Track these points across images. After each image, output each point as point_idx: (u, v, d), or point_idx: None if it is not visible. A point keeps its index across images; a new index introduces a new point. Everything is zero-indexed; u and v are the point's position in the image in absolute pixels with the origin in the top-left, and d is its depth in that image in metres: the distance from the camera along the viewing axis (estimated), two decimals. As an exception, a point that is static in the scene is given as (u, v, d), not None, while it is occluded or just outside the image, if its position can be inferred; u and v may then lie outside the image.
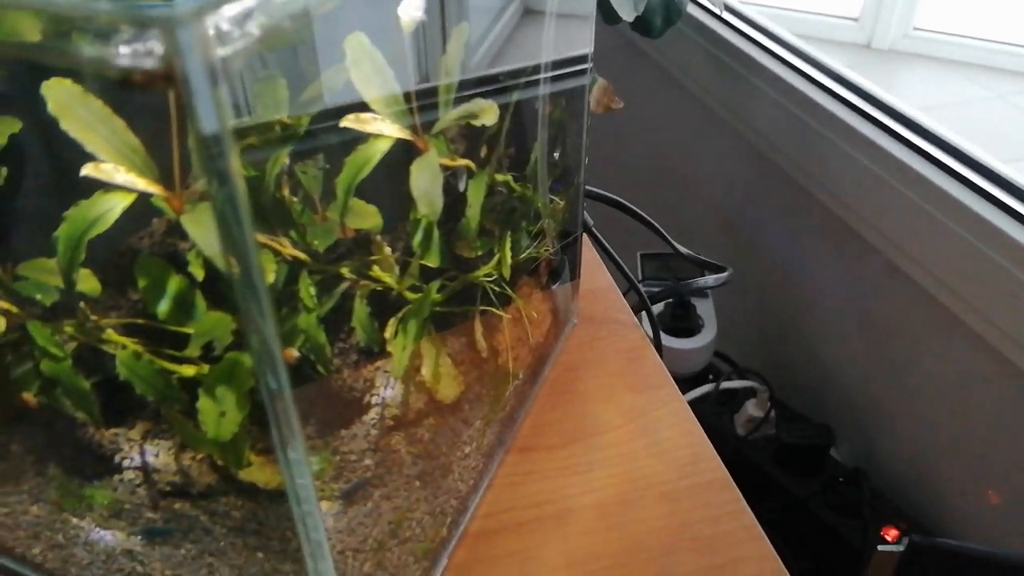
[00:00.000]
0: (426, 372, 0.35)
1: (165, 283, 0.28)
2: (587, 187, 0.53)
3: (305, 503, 0.25)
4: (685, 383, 0.83)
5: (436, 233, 0.33)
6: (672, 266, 0.86)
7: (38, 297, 0.28)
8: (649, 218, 0.57)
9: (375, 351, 0.33)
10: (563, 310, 0.45)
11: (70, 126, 0.22)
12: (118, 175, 0.25)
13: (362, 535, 0.32)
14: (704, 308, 0.84)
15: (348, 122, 0.29)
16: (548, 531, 0.37)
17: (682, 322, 0.83)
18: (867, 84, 0.70)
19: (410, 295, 0.33)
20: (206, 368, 0.27)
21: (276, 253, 0.29)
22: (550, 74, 0.36)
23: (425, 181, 0.31)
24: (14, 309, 0.28)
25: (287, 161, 0.30)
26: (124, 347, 0.28)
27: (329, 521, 0.32)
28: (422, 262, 0.33)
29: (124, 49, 0.15)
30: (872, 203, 0.66)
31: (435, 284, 0.33)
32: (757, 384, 0.78)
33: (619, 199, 0.55)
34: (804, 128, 0.73)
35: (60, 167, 0.27)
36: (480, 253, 0.36)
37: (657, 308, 0.84)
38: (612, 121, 1.10)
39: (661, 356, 0.47)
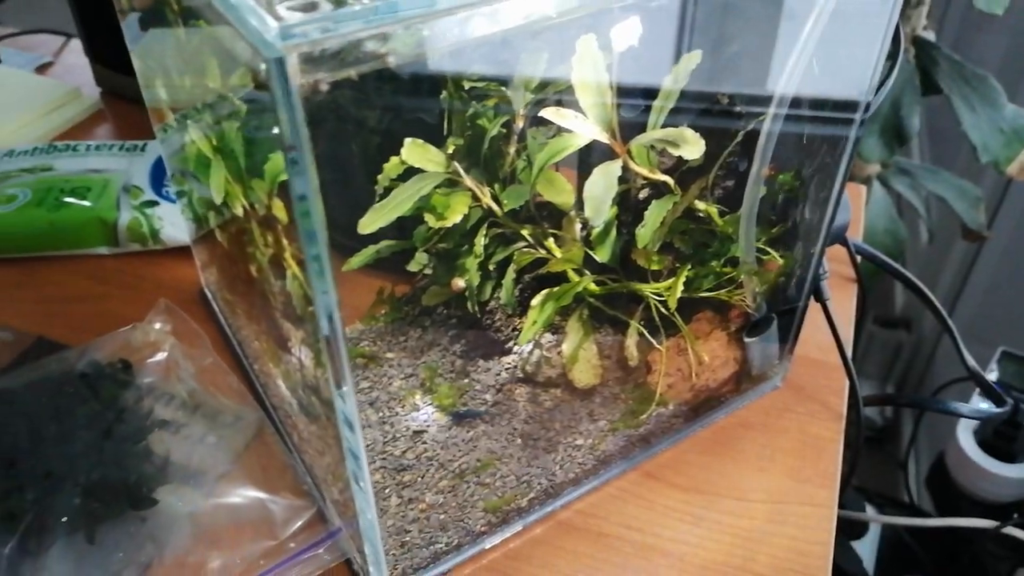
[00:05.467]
0: (566, 349, 0.37)
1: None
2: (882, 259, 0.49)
3: (347, 422, 0.30)
4: (979, 510, 0.72)
5: (614, 232, 0.35)
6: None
7: (256, 206, 0.36)
8: (947, 317, 0.50)
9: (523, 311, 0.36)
10: (759, 366, 0.43)
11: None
12: None
13: (452, 455, 0.37)
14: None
15: (548, 113, 0.32)
16: (624, 554, 0.38)
17: (1007, 442, 0.72)
18: None
19: (572, 276, 0.36)
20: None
21: (475, 199, 0.34)
22: (792, 112, 0.34)
23: (600, 187, 0.33)
24: (248, 208, 0.37)
25: (521, 124, 0.34)
26: (292, 269, 0.35)
27: (434, 428, 0.37)
28: (590, 252, 0.35)
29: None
30: None
31: (592, 278, 0.35)
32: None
33: (921, 288, 0.50)
34: None
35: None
36: (657, 268, 0.36)
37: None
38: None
39: (855, 463, 0.43)
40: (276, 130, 0.22)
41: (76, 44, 0.80)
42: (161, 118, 0.44)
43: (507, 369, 0.38)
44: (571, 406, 0.38)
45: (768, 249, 0.38)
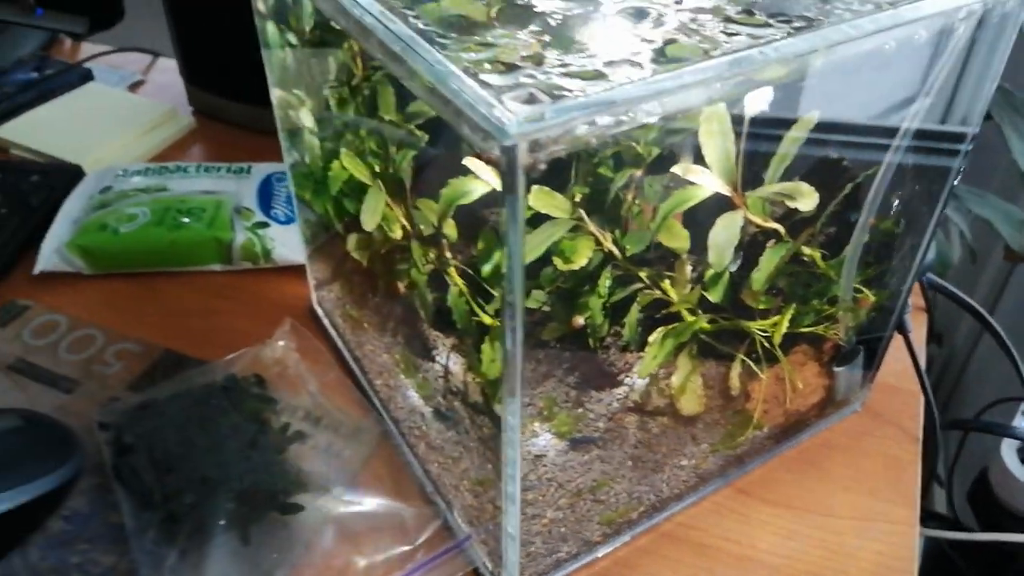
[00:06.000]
0: (675, 381, 0.41)
1: (492, 252, 0.37)
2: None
3: (510, 446, 0.33)
4: (1022, 526, 0.75)
5: (727, 275, 0.39)
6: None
7: (421, 226, 0.40)
8: (1013, 350, 0.53)
9: (640, 346, 0.39)
10: (844, 392, 0.47)
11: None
12: (481, 170, 0.35)
13: (569, 476, 0.40)
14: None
15: (677, 169, 0.35)
16: (723, 563, 0.41)
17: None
18: None
19: (687, 316, 0.39)
20: (496, 323, 0.37)
21: (597, 243, 0.38)
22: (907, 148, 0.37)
23: (723, 236, 0.37)
24: (408, 228, 0.40)
25: (639, 172, 0.37)
26: (455, 284, 0.39)
27: (552, 453, 0.41)
28: (705, 293, 0.39)
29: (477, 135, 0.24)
30: None
31: (705, 317, 0.39)
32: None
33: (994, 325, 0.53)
34: None
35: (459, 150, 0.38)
36: (764, 307, 0.40)
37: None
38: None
39: (930, 484, 0.46)
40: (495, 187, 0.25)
41: (163, 63, 0.84)
42: (294, 144, 0.47)
43: (618, 399, 0.42)
44: (676, 431, 0.42)
45: (863, 288, 0.42)
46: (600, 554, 0.41)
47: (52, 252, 0.56)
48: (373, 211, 0.40)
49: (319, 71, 0.42)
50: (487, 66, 0.27)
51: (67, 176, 0.63)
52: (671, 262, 0.39)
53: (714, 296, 0.39)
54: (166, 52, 0.83)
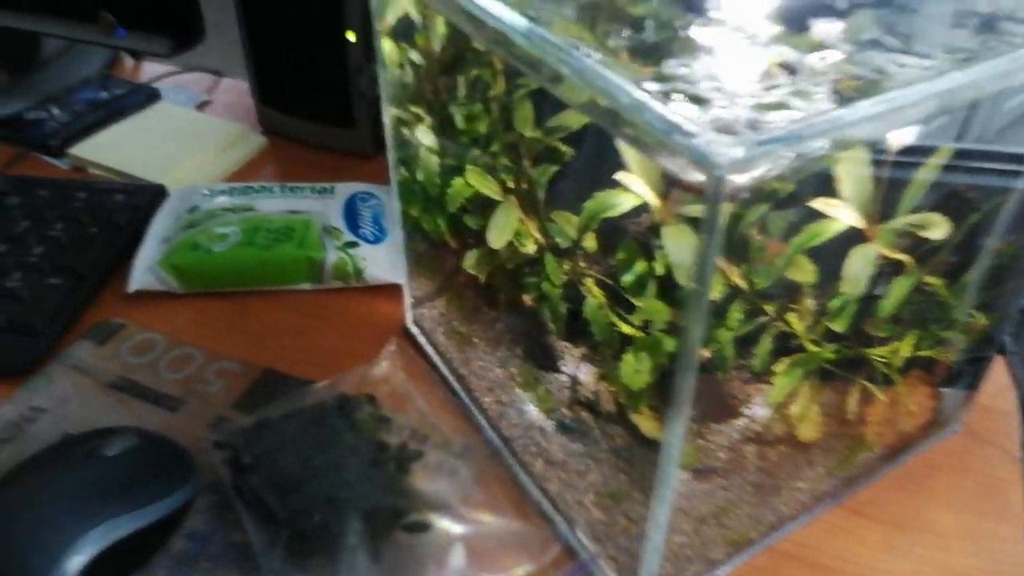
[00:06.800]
0: (795, 410, 0.41)
1: (633, 263, 0.38)
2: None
3: (669, 462, 0.34)
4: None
5: (852, 307, 0.39)
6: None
7: (556, 238, 0.41)
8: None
9: (763, 376, 0.40)
10: (946, 413, 0.47)
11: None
12: (635, 184, 0.35)
13: (695, 503, 0.41)
14: None
15: (816, 204, 0.36)
16: (840, 584, 0.42)
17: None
18: None
19: (810, 347, 0.40)
20: (639, 334, 0.38)
21: (725, 277, 0.38)
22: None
23: (858, 267, 0.37)
24: (542, 240, 0.41)
25: (766, 210, 0.38)
26: (593, 295, 0.39)
27: (675, 482, 0.41)
28: (829, 324, 0.39)
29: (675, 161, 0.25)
30: None
31: (832, 347, 0.40)
32: None
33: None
34: None
35: (601, 163, 0.39)
36: (884, 335, 0.41)
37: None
38: None
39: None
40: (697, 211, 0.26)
41: (227, 83, 0.84)
42: (405, 162, 0.48)
43: (737, 430, 0.42)
44: (794, 457, 0.43)
45: (974, 312, 0.43)
46: (720, 573, 0.42)
47: (146, 271, 0.57)
48: (504, 227, 0.41)
49: (445, 88, 0.43)
50: (677, 96, 0.28)
51: (150, 195, 0.63)
52: (794, 294, 0.40)
53: (839, 326, 0.39)
54: (229, 72, 0.84)
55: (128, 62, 0.88)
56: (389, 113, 0.47)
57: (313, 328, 0.56)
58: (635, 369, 0.37)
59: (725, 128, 0.26)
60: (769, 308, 0.39)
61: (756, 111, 0.27)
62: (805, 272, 0.38)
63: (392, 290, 0.57)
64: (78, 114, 0.75)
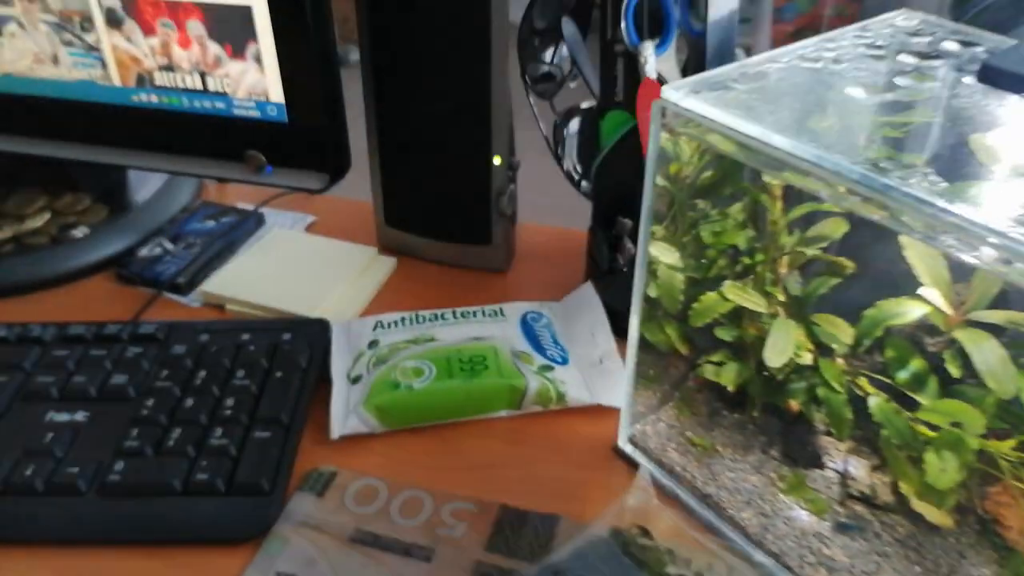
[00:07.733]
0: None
1: (907, 361, 0.40)
2: None
3: None
4: None
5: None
6: None
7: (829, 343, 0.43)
8: None
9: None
10: None
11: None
12: (927, 294, 0.38)
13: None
14: None
15: (901, 305, 0.40)
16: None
17: None
18: None
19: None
20: (933, 434, 0.40)
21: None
22: None
23: (989, 360, 0.37)
24: (812, 347, 0.43)
25: None
26: (874, 395, 0.41)
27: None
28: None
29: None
30: None
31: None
32: None
33: None
34: None
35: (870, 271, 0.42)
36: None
37: None
38: None
39: None
40: None
41: (324, 202, 0.84)
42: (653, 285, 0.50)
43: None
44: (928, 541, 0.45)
45: None
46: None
47: (349, 414, 0.56)
48: (783, 346, 0.43)
49: (699, 210, 0.45)
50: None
51: (316, 331, 0.63)
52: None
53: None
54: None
55: (210, 184, 0.87)
56: (646, 240, 0.48)
57: (525, 456, 0.56)
58: (940, 468, 0.40)
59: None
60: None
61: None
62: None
63: (588, 411, 0.58)
64: (190, 245, 0.74)
